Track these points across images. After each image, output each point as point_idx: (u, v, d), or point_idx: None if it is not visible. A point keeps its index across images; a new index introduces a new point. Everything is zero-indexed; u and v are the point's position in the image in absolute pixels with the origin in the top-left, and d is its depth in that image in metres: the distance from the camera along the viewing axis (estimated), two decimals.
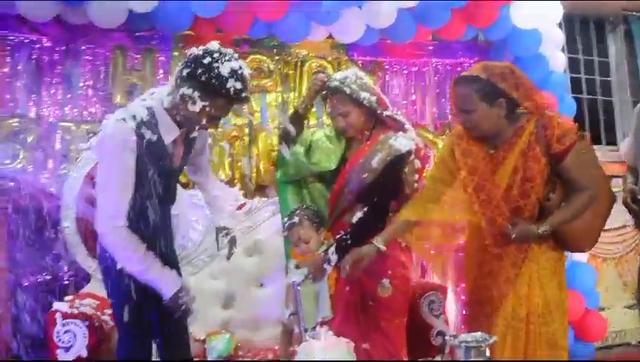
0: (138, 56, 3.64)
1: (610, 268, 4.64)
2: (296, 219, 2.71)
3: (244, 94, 2.12)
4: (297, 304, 2.48)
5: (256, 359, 3.10)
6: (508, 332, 2.35)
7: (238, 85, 2.09)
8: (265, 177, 3.73)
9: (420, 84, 4.08)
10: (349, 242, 2.57)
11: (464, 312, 3.11)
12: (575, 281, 3.68)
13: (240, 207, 3.51)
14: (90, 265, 3.23)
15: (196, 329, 2.94)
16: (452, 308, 3.65)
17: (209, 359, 3.05)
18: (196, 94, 2.08)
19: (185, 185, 3.17)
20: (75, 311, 2.82)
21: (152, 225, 2.21)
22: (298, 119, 2.85)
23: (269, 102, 3.84)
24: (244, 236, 3.44)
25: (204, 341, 3.09)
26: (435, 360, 3.13)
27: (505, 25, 3.73)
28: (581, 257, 3.83)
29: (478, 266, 2.46)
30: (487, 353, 1.92)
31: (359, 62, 3.93)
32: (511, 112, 2.34)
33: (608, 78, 5.48)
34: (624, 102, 5.40)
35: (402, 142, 2.65)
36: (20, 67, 3.43)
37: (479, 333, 1.97)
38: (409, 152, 2.65)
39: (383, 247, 2.49)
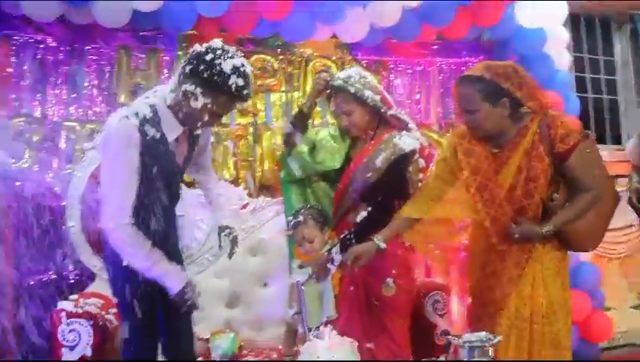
0: (142, 55, 3.64)
1: (615, 267, 4.62)
2: (301, 218, 2.71)
3: (246, 91, 2.12)
4: (301, 303, 2.48)
5: (260, 358, 3.10)
6: (511, 332, 2.34)
7: (240, 82, 2.09)
8: (269, 176, 3.73)
9: (425, 83, 4.07)
10: (353, 241, 2.57)
11: (468, 312, 3.10)
12: (580, 281, 3.67)
13: (244, 207, 3.52)
14: (95, 264, 3.24)
15: (200, 328, 2.94)
16: (456, 307, 3.64)
17: (213, 358, 3.05)
18: (198, 90, 2.08)
19: (189, 185, 3.17)
20: (80, 311, 2.83)
21: (157, 223, 2.21)
22: (302, 118, 2.86)
23: (273, 102, 3.84)
24: (249, 235, 3.44)
25: (208, 340, 3.09)
26: (439, 359, 3.13)
27: (510, 24, 3.72)
28: (586, 257, 3.81)
29: (482, 267, 2.45)
30: (491, 353, 1.92)
31: (363, 61, 3.93)
32: (514, 112, 2.33)
33: (614, 77, 5.46)
34: (629, 102, 5.38)
35: (406, 141, 2.65)
36: (25, 67, 3.44)
37: (483, 333, 1.97)
38: (413, 151, 2.66)
39: (383, 245, 2.49)
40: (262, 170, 3.75)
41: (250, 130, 3.77)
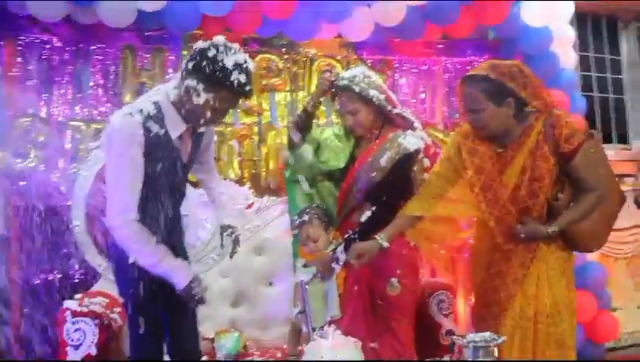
0: (148, 55, 3.65)
1: (622, 267, 4.59)
2: (306, 218, 2.71)
3: (247, 87, 2.12)
4: (305, 303, 2.47)
5: (264, 358, 3.10)
6: (516, 332, 2.34)
7: (242, 78, 2.09)
8: (273, 176, 3.73)
9: (430, 82, 4.06)
10: (357, 241, 2.56)
11: (471, 312, 3.09)
12: (586, 281, 3.66)
13: (249, 206, 3.52)
14: (100, 264, 3.25)
15: (205, 327, 2.95)
16: (461, 307, 3.64)
17: (218, 357, 3.06)
18: (200, 86, 2.09)
19: (194, 184, 3.18)
20: (85, 310, 2.84)
21: (162, 220, 2.22)
22: (307, 118, 2.85)
23: (278, 101, 3.84)
24: (253, 235, 3.45)
25: (213, 339, 3.09)
26: (443, 359, 3.12)
27: (515, 23, 3.71)
28: (592, 257, 3.80)
29: (487, 267, 2.44)
30: (496, 353, 1.92)
31: (368, 60, 3.92)
32: (519, 111, 2.32)
33: (620, 76, 5.44)
34: (636, 101, 5.36)
35: (411, 140, 2.64)
36: (30, 67, 3.45)
37: (487, 333, 1.97)
38: (418, 151, 2.65)
39: (385, 244, 2.48)
40: (267, 169, 3.76)
41: (255, 129, 3.77)
